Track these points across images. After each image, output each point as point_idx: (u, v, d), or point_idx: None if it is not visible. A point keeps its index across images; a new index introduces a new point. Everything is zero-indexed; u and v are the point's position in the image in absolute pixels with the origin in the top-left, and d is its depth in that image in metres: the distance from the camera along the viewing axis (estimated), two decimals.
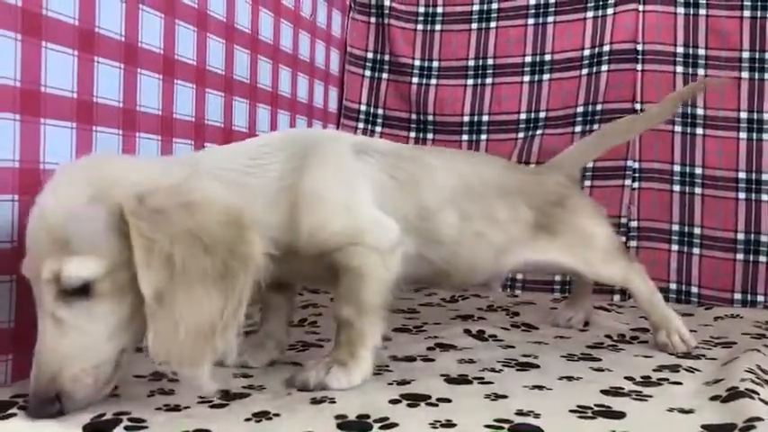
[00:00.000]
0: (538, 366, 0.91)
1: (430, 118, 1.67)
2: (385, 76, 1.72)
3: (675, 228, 1.49)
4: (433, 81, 1.68)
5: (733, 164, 1.45)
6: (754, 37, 1.45)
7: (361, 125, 1.71)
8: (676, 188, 1.49)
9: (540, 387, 0.80)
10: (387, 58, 1.72)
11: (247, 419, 0.67)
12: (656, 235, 1.50)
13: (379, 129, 1.71)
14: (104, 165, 0.71)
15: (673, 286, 1.48)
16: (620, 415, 0.70)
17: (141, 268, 0.64)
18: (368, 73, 1.73)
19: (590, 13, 1.58)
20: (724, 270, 1.45)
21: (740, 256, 1.44)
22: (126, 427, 0.65)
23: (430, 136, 1.68)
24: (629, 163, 1.51)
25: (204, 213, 0.67)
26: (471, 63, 1.66)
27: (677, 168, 1.49)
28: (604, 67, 1.53)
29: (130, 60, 0.97)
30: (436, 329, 1.13)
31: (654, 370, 0.89)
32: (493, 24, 1.65)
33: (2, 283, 0.78)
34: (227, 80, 1.22)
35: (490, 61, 1.65)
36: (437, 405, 0.72)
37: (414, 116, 1.70)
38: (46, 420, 0.65)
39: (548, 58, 1.60)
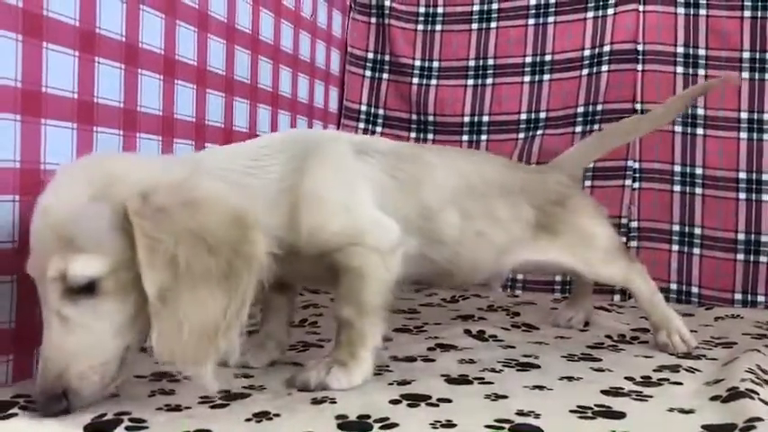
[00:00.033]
0: (538, 366, 0.91)
1: (430, 118, 1.67)
2: (385, 76, 1.72)
3: (676, 228, 1.49)
4: (434, 81, 1.68)
5: (733, 164, 1.45)
6: (755, 37, 1.45)
7: (361, 125, 1.71)
8: (677, 188, 1.49)
9: (540, 387, 0.80)
10: (387, 58, 1.72)
11: (248, 419, 0.67)
12: (656, 235, 1.50)
13: (379, 129, 1.71)
14: (106, 163, 0.71)
15: (673, 286, 1.48)
16: (620, 415, 0.70)
17: (145, 268, 0.64)
18: (368, 73, 1.73)
19: (590, 14, 1.58)
20: (724, 270, 1.45)
21: (741, 257, 1.44)
22: (127, 428, 0.65)
23: (430, 136, 1.68)
24: (630, 163, 1.51)
25: (208, 213, 0.67)
26: (472, 63, 1.66)
27: (678, 168, 1.49)
28: (605, 68, 1.53)
29: (131, 61, 0.97)
30: (437, 330, 1.13)
31: (654, 370, 0.89)
32: (493, 24, 1.65)
33: (3, 284, 0.78)
34: (228, 80, 1.22)
35: (491, 61, 1.65)
36: (437, 405, 0.73)
37: (414, 116, 1.70)
38: (49, 419, 0.65)
39: (548, 58, 1.60)
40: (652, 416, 0.71)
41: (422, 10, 1.70)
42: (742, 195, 1.44)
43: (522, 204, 0.98)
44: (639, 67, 1.51)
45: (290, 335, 0.96)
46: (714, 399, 0.75)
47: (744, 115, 1.45)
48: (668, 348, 1.01)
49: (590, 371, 0.89)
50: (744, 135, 1.45)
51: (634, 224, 1.51)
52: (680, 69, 1.49)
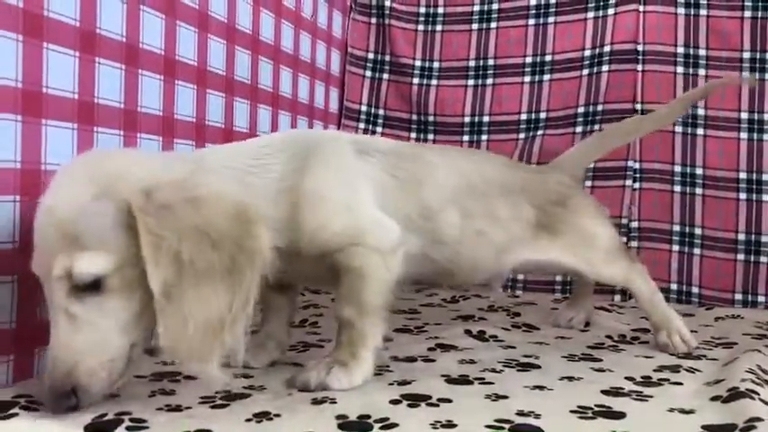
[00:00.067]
0: (539, 367, 0.91)
1: (431, 118, 1.67)
2: (386, 76, 1.72)
3: (676, 228, 1.49)
4: (434, 81, 1.68)
5: (734, 164, 1.45)
6: (755, 37, 1.45)
7: (362, 126, 1.71)
8: (677, 188, 1.49)
9: (540, 387, 0.80)
10: (387, 58, 1.72)
11: (248, 420, 0.67)
12: (656, 235, 1.50)
13: (379, 129, 1.71)
14: (108, 160, 0.71)
15: (673, 286, 1.48)
16: (620, 415, 0.70)
17: (150, 265, 0.64)
18: (369, 73, 1.73)
19: (590, 14, 1.58)
20: (725, 270, 1.45)
21: (741, 257, 1.44)
22: (127, 428, 0.65)
23: (431, 137, 1.68)
24: (630, 163, 1.51)
25: (211, 209, 0.68)
26: (472, 63, 1.66)
27: (678, 169, 1.49)
28: (605, 68, 1.53)
29: (131, 61, 0.97)
30: (437, 330, 1.13)
31: (654, 370, 0.89)
32: (493, 25, 1.65)
33: (3, 284, 0.78)
34: (228, 81, 1.22)
35: (491, 62, 1.65)
36: (438, 405, 0.73)
37: (414, 117, 1.70)
38: (50, 419, 0.66)
39: (548, 58, 1.60)
40: (652, 416, 0.71)
41: (422, 10, 1.70)
42: (742, 195, 1.44)
43: (522, 204, 0.98)
44: (640, 67, 1.51)
45: (291, 335, 0.96)
46: (714, 399, 0.75)
47: (744, 115, 1.45)
48: (669, 348, 1.01)
49: (590, 371, 0.89)
50: (744, 135, 1.45)
51: (634, 224, 1.51)
52: (680, 69, 1.49)
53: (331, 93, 1.67)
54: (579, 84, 1.56)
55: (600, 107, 1.53)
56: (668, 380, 0.85)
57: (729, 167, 1.45)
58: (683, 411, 0.72)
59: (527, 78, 1.62)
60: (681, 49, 1.50)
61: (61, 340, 0.67)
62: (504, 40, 1.64)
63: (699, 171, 1.48)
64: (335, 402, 0.72)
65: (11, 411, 0.68)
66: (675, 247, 1.49)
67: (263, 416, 0.68)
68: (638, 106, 1.50)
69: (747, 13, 1.46)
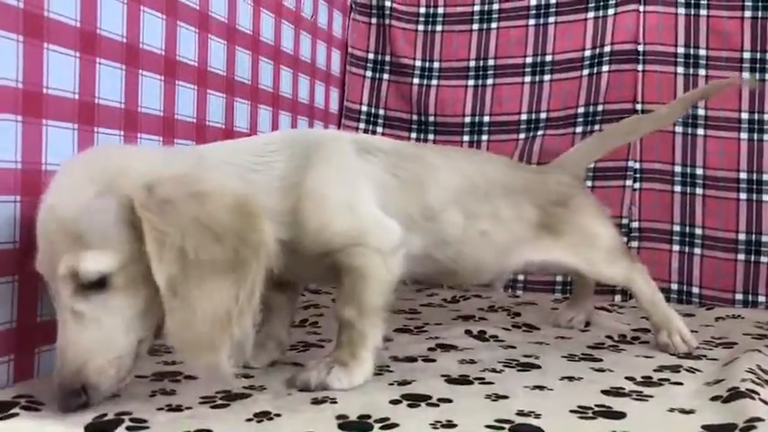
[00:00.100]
0: (539, 367, 0.91)
1: (431, 119, 1.67)
2: (386, 76, 1.72)
3: (677, 228, 1.49)
4: (434, 82, 1.68)
5: (734, 164, 1.45)
6: (755, 37, 1.45)
7: (362, 126, 1.71)
8: (677, 189, 1.49)
9: (540, 387, 0.80)
10: (388, 58, 1.72)
11: (248, 420, 0.67)
12: (657, 235, 1.50)
13: (380, 129, 1.71)
14: (108, 156, 0.71)
15: (674, 287, 1.48)
16: (620, 415, 0.70)
17: (154, 261, 0.64)
18: (369, 74, 1.73)
19: (591, 14, 1.58)
20: (725, 270, 1.45)
21: (741, 257, 1.44)
22: (128, 428, 0.65)
23: (431, 137, 1.68)
24: (631, 164, 1.51)
25: (213, 202, 0.68)
26: (472, 64, 1.66)
27: (678, 169, 1.49)
28: (605, 68, 1.53)
29: (132, 61, 0.97)
30: (437, 330, 1.13)
31: (655, 370, 0.89)
32: (494, 25, 1.65)
33: (4, 284, 0.78)
34: (229, 81, 1.22)
35: (491, 62, 1.65)
36: (438, 405, 0.73)
37: (415, 117, 1.70)
38: (50, 419, 0.66)
39: (548, 58, 1.60)
40: (652, 416, 0.71)
41: (422, 10, 1.70)
42: (743, 195, 1.44)
43: (524, 204, 0.98)
44: (640, 67, 1.51)
45: (291, 335, 0.96)
46: (715, 399, 0.75)
47: (744, 116, 1.45)
48: (669, 348, 1.01)
49: (590, 371, 0.89)
50: (744, 135, 1.45)
51: (635, 224, 1.51)
52: (680, 70, 1.49)
53: (331, 93, 1.68)
54: (579, 84, 1.56)
55: (600, 107, 1.53)
56: (668, 380, 0.85)
57: (730, 167, 1.45)
58: (683, 411, 0.72)
59: (527, 78, 1.62)
60: (681, 50, 1.50)
61: (69, 339, 0.67)
62: (505, 41, 1.64)
63: (699, 171, 1.48)
64: (336, 402, 0.72)
65: (11, 411, 0.68)
66: (676, 247, 1.49)
67: (263, 416, 0.68)
68: (639, 106, 1.50)
69: (748, 14, 1.46)
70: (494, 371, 0.88)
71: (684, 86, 1.48)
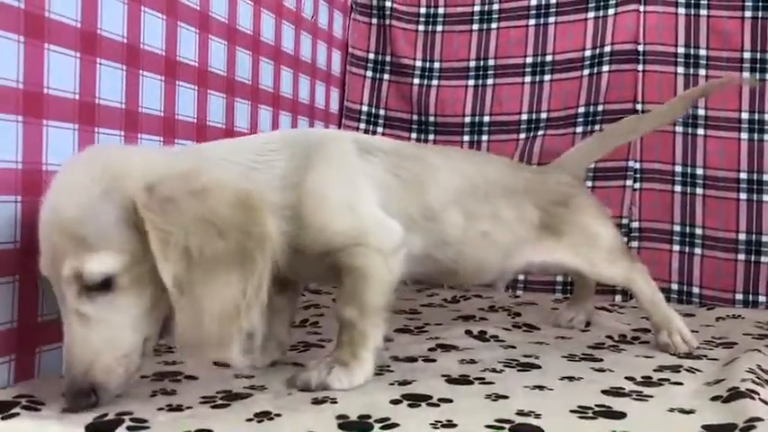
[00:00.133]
0: (539, 367, 0.91)
1: (431, 119, 1.67)
2: (386, 76, 1.72)
3: (677, 228, 1.49)
4: (435, 82, 1.68)
5: (734, 164, 1.45)
6: (756, 37, 1.45)
7: (362, 126, 1.71)
8: (678, 189, 1.49)
9: (540, 387, 0.80)
10: (388, 58, 1.72)
11: (249, 419, 0.67)
12: (657, 235, 1.50)
13: (380, 129, 1.71)
14: (109, 157, 0.71)
15: (674, 287, 1.48)
16: (620, 415, 0.70)
17: (160, 261, 0.65)
18: (369, 74, 1.73)
19: (591, 14, 1.58)
20: (725, 270, 1.45)
21: (741, 257, 1.44)
22: (128, 427, 0.65)
23: (431, 137, 1.68)
24: (631, 164, 1.51)
25: (215, 198, 0.68)
26: (473, 64, 1.66)
27: (678, 169, 1.49)
28: (605, 68, 1.53)
29: (132, 62, 0.97)
30: (438, 330, 1.13)
31: (655, 370, 0.89)
32: (494, 25, 1.65)
33: (5, 284, 0.78)
34: (229, 81, 1.22)
35: (491, 62, 1.65)
36: (438, 405, 0.73)
37: (415, 117, 1.70)
38: (51, 419, 0.66)
39: (549, 58, 1.60)
40: (652, 416, 0.71)
41: (423, 11, 1.70)
42: (743, 196, 1.44)
43: (526, 205, 0.98)
44: (640, 67, 1.51)
45: (292, 335, 0.96)
46: (715, 399, 0.75)
47: (744, 116, 1.45)
48: (669, 348, 1.01)
49: (591, 371, 0.89)
50: (744, 135, 1.45)
51: (635, 224, 1.51)
52: (681, 70, 1.49)
53: (332, 93, 1.68)
54: (580, 84, 1.56)
55: (600, 107, 1.53)
56: (668, 380, 0.85)
57: (730, 167, 1.45)
58: (683, 411, 0.72)
59: (527, 78, 1.62)
60: (681, 50, 1.50)
61: (76, 340, 0.67)
62: (505, 41, 1.64)
63: (699, 171, 1.48)
64: (336, 402, 0.72)
65: (12, 411, 0.68)
66: (676, 247, 1.49)
67: (263, 415, 0.68)
68: (639, 106, 1.50)
69: (748, 14, 1.46)
70: (494, 371, 0.88)
71: (685, 86, 1.48)
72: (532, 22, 1.62)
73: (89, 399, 0.67)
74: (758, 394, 0.73)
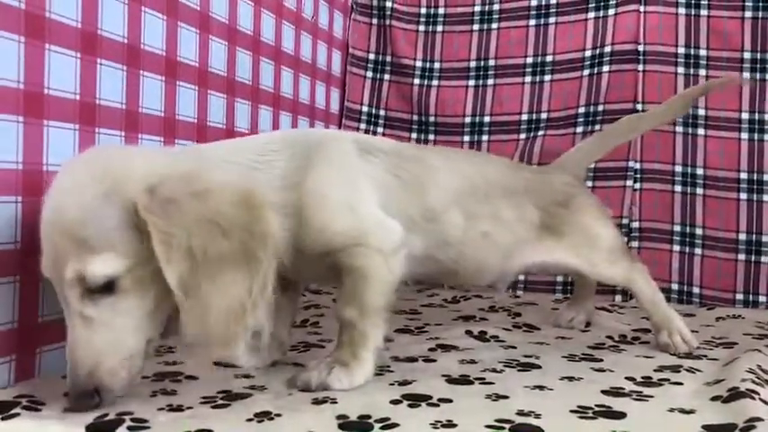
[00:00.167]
0: (539, 367, 0.91)
1: (431, 119, 1.68)
2: (387, 77, 1.72)
3: (677, 228, 1.49)
4: (435, 82, 1.68)
5: (734, 164, 1.45)
6: (756, 38, 1.45)
7: (362, 126, 1.71)
8: (678, 189, 1.49)
9: (541, 387, 0.80)
10: (388, 59, 1.72)
11: (249, 419, 0.68)
12: (657, 235, 1.50)
13: (380, 130, 1.71)
14: (110, 158, 0.71)
15: (674, 287, 1.48)
16: (620, 415, 0.70)
17: (163, 263, 0.65)
18: (369, 74, 1.73)
19: (591, 14, 1.58)
20: (726, 270, 1.45)
21: (742, 257, 1.44)
22: (128, 427, 0.65)
23: (431, 137, 1.68)
24: (631, 164, 1.51)
25: (216, 198, 0.68)
26: (473, 64, 1.66)
27: (679, 169, 1.49)
28: (606, 68, 1.53)
29: (133, 62, 0.97)
30: (438, 330, 1.13)
31: (655, 370, 0.90)
32: (494, 25, 1.65)
33: (5, 284, 0.78)
34: (230, 81, 1.22)
35: (492, 62, 1.65)
36: (438, 405, 0.73)
37: (415, 117, 1.70)
38: (52, 420, 0.66)
39: (549, 59, 1.60)
40: (652, 416, 0.71)
41: (423, 11, 1.70)
42: (743, 196, 1.44)
43: (526, 205, 0.98)
44: (640, 67, 1.51)
45: (292, 335, 0.96)
46: (715, 399, 0.75)
47: (745, 116, 1.45)
48: (669, 349, 1.01)
49: (591, 371, 0.89)
50: (745, 135, 1.45)
51: (635, 224, 1.51)
52: (681, 70, 1.49)
53: (332, 93, 1.68)
54: (580, 84, 1.56)
55: (601, 107, 1.53)
56: (668, 380, 0.85)
57: (730, 168, 1.45)
58: (683, 411, 0.72)
59: (528, 79, 1.62)
60: (682, 50, 1.50)
61: (79, 342, 0.67)
62: (505, 41, 1.64)
63: (699, 171, 1.48)
64: (336, 402, 0.73)
65: (13, 411, 0.68)
66: (676, 248, 1.49)
67: (264, 416, 0.68)
68: (639, 107, 1.50)
69: (748, 14, 1.46)
70: (494, 371, 0.88)
71: (685, 87, 1.48)
72: (533, 22, 1.62)
73: (92, 400, 0.67)
74: (758, 394, 0.73)
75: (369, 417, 0.68)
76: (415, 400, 0.74)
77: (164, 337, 0.74)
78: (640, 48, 1.51)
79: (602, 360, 0.95)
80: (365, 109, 1.72)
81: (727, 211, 1.45)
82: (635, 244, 1.50)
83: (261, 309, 0.68)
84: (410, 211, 0.88)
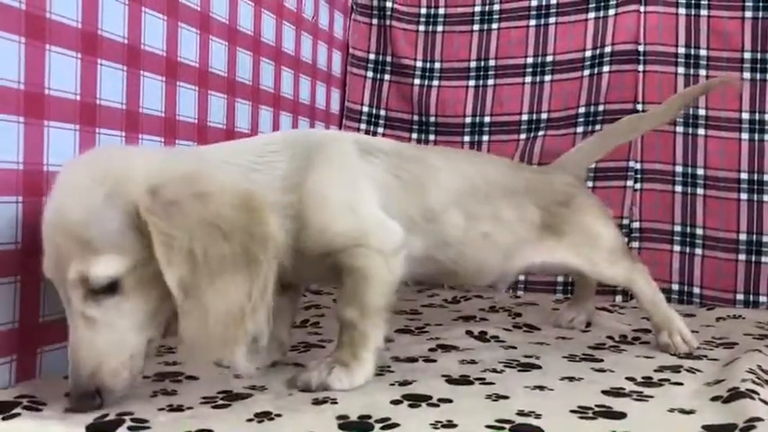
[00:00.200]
0: (539, 367, 0.91)
1: (432, 119, 1.68)
2: (387, 77, 1.72)
3: (677, 228, 1.49)
4: (435, 82, 1.68)
5: (735, 164, 1.45)
6: (756, 38, 1.45)
7: (363, 126, 1.71)
8: (678, 189, 1.49)
9: (541, 387, 0.80)
10: (389, 59, 1.72)
11: (249, 420, 0.68)
12: (658, 236, 1.50)
13: (381, 130, 1.71)
14: (111, 159, 0.71)
15: (675, 287, 1.48)
16: (620, 415, 0.70)
17: (164, 265, 0.65)
18: (370, 74, 1.73)
19: (591, 15, 1.58)
20: (726, 271, 1.45)
21: (742, 257, 1.44)
22: (129, 428, 0.65)
23: (432, 137, 1.68)
24: (631, 164, 1.51)
25: (217, 201, 0.68)
26: (473, 64, 1.66)
27: (679, 169, 1.49)
28: (606, 68, 1.53)
29: (133, 62, 0.97)
30: (438, 330, 1.13)
31: (655, 370, 0.90)
32: (495, 26, 1.65)
33: (6, 285, 0.78)
34: (230, 82, 1.23)
35: (492, 62, 1.65)
36: (438, 405, 0.73)
37: (416, 117, 1.70)
38: (52, 420, 0.66)
39: (549, 59, 1.60)
40: (653, 416, 0.71)
41: (423, 11, 1.71)
42: (743, 196, 1.44)
43: (527, 205, 0.98)
44: (641, 67, 1.51)
45: (292, 336, 0.96)
46: (715, 399, 0.75)
47: (745, 116, 1.45)
48: (670, 349, 1.01)
49: (591, 371, 0.89)
50: (745, 136, 1.45)
51: (636, 225, 1.51)
52: (681, 70, 1.49)
53: (332, 94, 1.68)
54: (580, 84, 1.57)
55: (601, 108, 1.53)
56: (669, 380, 0.85)
57: (730, 168, 1.45)
58: (683, 411, 0.72)
59: (528, 79, 1.62)
60: (682, 50, 1.50)
61: (82, 343, 0.67)
62: (506, 41, 1.64)
63: (700, 171, 1.48)
64: (336, 402, 0.73)
65: (13, 411, 0.69)
66: (677, 248, 1.49)
67: (264, 416, 0.68)
68: (639, 107, 1.50)
69: (748, 14, 1.46)
70: (494, 371, 0.88)
71: (685, 87, 1.48)
72: (533, 22, 1.63)
73: (94, 401, 0.68)
74: (758, 394, 0.73)
75: (369, 417, 0.68)
76: (416, 400, 0.74)
77: (164, 337, 0.74)
78: (640, 48, 1.51)
79: (602, 360, 0.95)
80: (365, 109, 1.72)
81: (727, 212, 1.45)
82: (635, 244, 1.50)
83: (261, 313, 0.67)
84: (410, 211, 0.88)
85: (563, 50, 1.59)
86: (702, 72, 1.48)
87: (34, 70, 0.80)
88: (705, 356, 0.98)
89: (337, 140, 0.87)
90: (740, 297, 1.44)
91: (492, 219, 0.95)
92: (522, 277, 1.56)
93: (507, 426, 0.66)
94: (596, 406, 0.73)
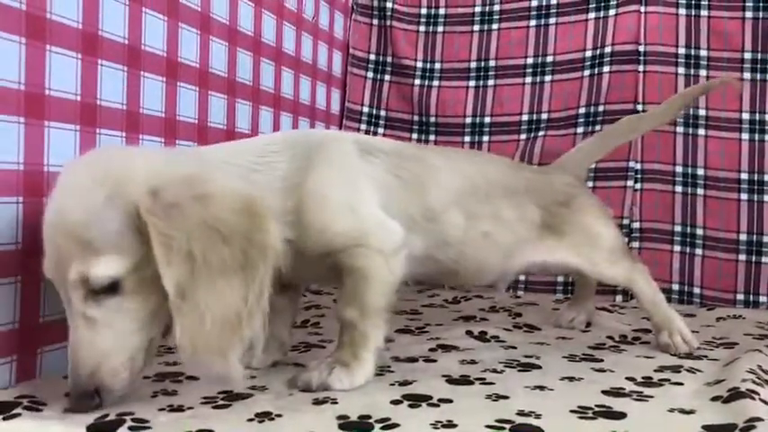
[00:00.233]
0: (539, 367, 0.91)
1: (432, 119, 1.68)
2: (387, 77, 1.72)
3: (678, 228, 1.49)
4: (436, 83, 1.68)
5: (735, 165, 1.45)
6: (756, 38, 1.45)
7: (363, 127, 1.71)
8: (678, 189, 1.49)
9: (541, 387, 0.80)
10: (389, 59, 1.72)
11: (250, 420, 0.68)
12: (658, 236, 1.50)
13: (381, 130, 1.72)
14: (111, 159, 0.71)
15: (675, 287, 1.48)
16: (620, 415, 0.70)
17: (162, 266, 0.65)
18: (370, 75, 1.73)
19: (592, 15, 1.58)
20: (726, 271, 1.45)
21: (742, 257, 1.44)
22: (129, 428, 0.65)
23: (432, 137, 1.68)
24: (632, 164, 1.51)
25: (218, 204, 0.68)
26: (473, 65, 1.66)
27: (679, 169, 1.49)
28: (606, 69, 1.53)
29: (134, 63, 0.97)
30: (438, 330, 1.13)
31: (655, 370, 0.90)
32: (495, 26, 1.66)
33: (6, 285, 0.78)
34: (230, 82, 1.23)
35: (492, 63, 1.65)
36: (438, 405, 0.73)
37: (416, 117, 1.70)
38: (53, 420, 0.66)
39: (549, 59, 1.60)
40: (653, 416, 0.71)
41: (423, 11, 1.71)
42: (744, 196, 1.44)
43: (527, 205, 0.98)
44: (641, 68, 1.51)
45: (293, 336, 0.96)
46: (715, 399, 0.75)
47: (745, 116, 1.45)
48: (670, 349, 1.01)
49: (591, 371, 0.89)
50: (745, 136, 1.45)
51: (636, 225, 1.51)
52: (681, 70, 1.49)
53: (332, 94, 1.68)
54: (580, 85, 1.57)
55: (601, 108, 1.53)
56: (669, 380, 0.85)
57: (731, 168, 1.45)
58: (683, 411, 0.72)
59: (528, 79, 1.62)
60: (682, 50, 1.50)
61: (82, 343, 0.68)
62: (506, 42, 1.64)
63: (700, 171, 1.48)
64: (337, 402, 0.73)
65: (14, 411, 0.69)
66: (677, 248, 1.49)
67: (264, 416, 0.68)
68: (640, 107, 1.50)
69: (749, 14, 1.46)
70: (494, 371, 0.88)
71: (685, 87, 1.48)
72: (533, 23, 1.63)
73: (93, 401, 0.68)
74: (758, 394, 0.73)
75: (369, 417, 0.68)
76: (416, 400, 0.74)
77: (164, 337, 0.74)
78: (641, 48, 1.51)
79: (602, 360, 0.95)
80: (366, 110, 1.72)
81: (727, 212, 1.45)
82: (635, 244, 1.50)
83: (257, 319, 0.67)
84: (411, 210, 0.88)
85: (563, 51, 1.60)
86: (703, 72, 1.48)
87: (35, 71, 0.80)
88: (705, 356, 0.98)
89: (337, 140, 0.87)
90: (740, 297, 1.44)
91: (492, 218, 0.95)
92: (522, 277, 1.56)
93: (507, 426, 0.66)
94: (596, 406, 0.73)
